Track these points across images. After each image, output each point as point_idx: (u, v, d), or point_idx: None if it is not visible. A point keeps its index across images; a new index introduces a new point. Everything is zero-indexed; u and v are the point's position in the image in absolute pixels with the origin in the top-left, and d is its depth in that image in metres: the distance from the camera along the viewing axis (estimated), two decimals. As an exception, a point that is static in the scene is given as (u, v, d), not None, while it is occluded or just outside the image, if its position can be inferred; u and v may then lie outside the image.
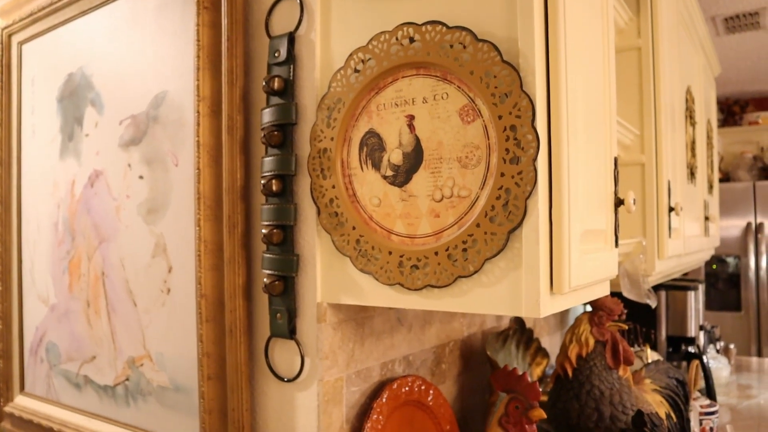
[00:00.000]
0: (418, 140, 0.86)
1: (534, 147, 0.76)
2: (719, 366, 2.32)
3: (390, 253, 0.88)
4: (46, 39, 1.44)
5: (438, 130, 0.84)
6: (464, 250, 0.81)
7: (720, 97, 4.78)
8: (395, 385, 1.07)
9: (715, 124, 2.92)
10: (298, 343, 0.97)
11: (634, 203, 1.01)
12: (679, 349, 1.98)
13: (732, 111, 4.72)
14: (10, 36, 1.52)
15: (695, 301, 1.98)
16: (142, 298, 1.20)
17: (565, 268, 0.78)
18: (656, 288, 1.97)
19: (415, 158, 0.86)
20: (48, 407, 1.41)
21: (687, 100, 2.06)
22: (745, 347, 4.06)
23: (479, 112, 0.81)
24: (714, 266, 4.18)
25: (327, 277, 0.96)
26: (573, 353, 1.24)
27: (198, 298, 1.04)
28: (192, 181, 1.09)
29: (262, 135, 0.98)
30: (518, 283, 0.77)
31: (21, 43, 1.51)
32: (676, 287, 1.99)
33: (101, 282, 1.29)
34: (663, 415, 1.33)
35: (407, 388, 1.10)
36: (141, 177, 1.21)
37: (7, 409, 1.50)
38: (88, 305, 1.32)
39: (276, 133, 0.98)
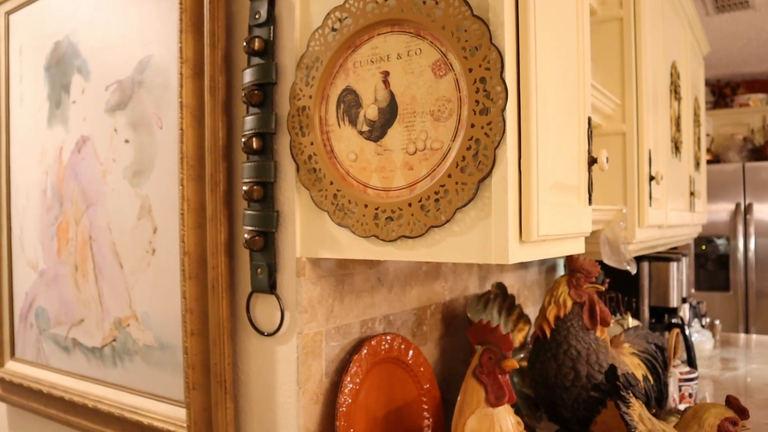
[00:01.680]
0: (392, 96, 0.88)
1: (503, 98, 0.78)
2: (703, 339, 2.36)
3: (366, 206, 0.90)
4: (33, 8, 1.45)
5: (412, 84, 0.86)
6: (436, 200, 0.83)
7: (711, 79, 4.80)
8: (374, 342, 1.09)
9: (703, 102, 2.94)
10: (278, 298, 1.00)
11: (607, 162, 1.04)
12: (662, 319, 2.01)
13: (723, 93, 4.74)
14: (-3, 5, 1.53)
15: (678, 272, 2.01)
16: (128, 260, 1.22)
17: (534, 216, 0.80)
18: (640, 259, 2.00)
19: (390, 113, 0.88)
20: (38, 371, 1.44)
21: (672, 75, 2.08)
22: (733, 326, 4.11)
23: (451, 66, 0.83)
24: (703, 247, 4.22)
25: (306, 232, 0.98)
26: (551, 314, 1.27)
27: (181, 255, 1.07)
28: (176, 143, 1.11)
29: (243, 95, 1.00)
30: (488, 231, 0.80)
31: (8, 13, 1.52)
32: (659, 258, 2.02)
33: (88, 246, 1.31)
34: (640, 377, 1.36)
35: (387, 346, 1.13)
36: (127, 141, 1.23)
37: (-1, 374, 1.53)
38: (76, 269, 1.34)
39: (257, 92, 1.00)
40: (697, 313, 2.66)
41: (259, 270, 1.01)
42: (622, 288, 1.96)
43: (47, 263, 1.42)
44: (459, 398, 0.98)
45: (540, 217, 0.81)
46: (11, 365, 1.52)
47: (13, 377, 1.48)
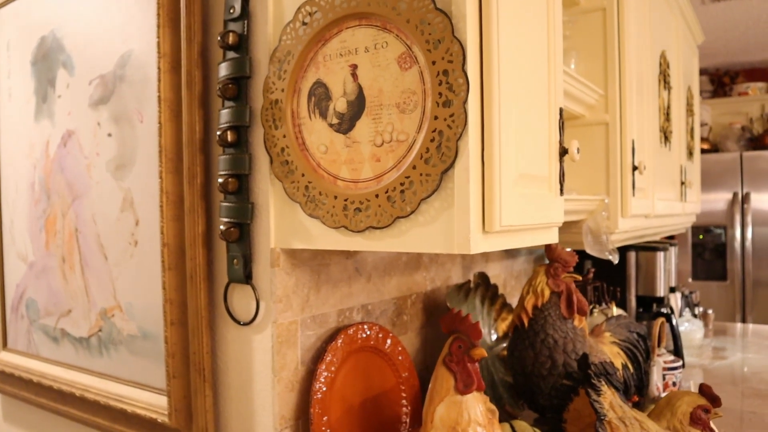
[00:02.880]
0: (360, 88, 0.89)
1: (464, 90, 0.80)
2: (693, 329, 2.37)
3: (336, 197, 0.92)
4: (20, 3, 1.47)
5: (379, 77, 0.87)
6: (402, 191, 0.85)
7: (710, 68, 4.78)
8: (351, 331, 1.11)
9: (696, 91, 2.94)
10: (253, 288, 1.02)
11: (578, 152, 1.05)
12: (650, 309, 2.02)
13: (722, 82, 4.72)
14: (-16, 1, 1.55)
15: (665, 261, 2.02)
16: (112, 252, 1.25)
17: (496, 206, 0.82)
18: (627, 248, 2.01)
19: (358, 106, 0.90)
20: (28, 361, 1.47)
21: (661, 64, 2.08)
22: (730, 316, 4.11)
23: (416, 58, 0.84)
24: (701, 236, 4.22)
25: (279, 223, 1.00)
26: (529, 304, 1.29)
27: (161, 247, 1.09)
28: (156, 136, 1.13)
29: (218, 88, 1.02)
30: (451, 222, 0.81)
31: (-5, 8, 1.54)
32: (645, 248, 2.03)
33: (75, 238, 1.33)
34: (619, 365, 1.38)
35: (364, 335, 1.14)
36: (109, 135, 1.25)
37: (-9, 364, 1.56)
38: (63, 261, 1.37)
39: (231, 86, 1.02)
40: (689, 303, 2.67)
41: (235, 261, 1.03)
42: (609, 277, 1.97)
43: (36, 255, 1.44)
44: (429, 386, 1.00)
45: (503, 207, 0.83)
46: (3, 355, 1.55)
47: (5, 367, 1.51)
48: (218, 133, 1.02)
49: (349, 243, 0.91)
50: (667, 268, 2.04)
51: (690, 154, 2.73)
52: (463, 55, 0.79)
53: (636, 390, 1.48)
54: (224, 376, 1.08)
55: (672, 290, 2.18)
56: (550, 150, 1.02)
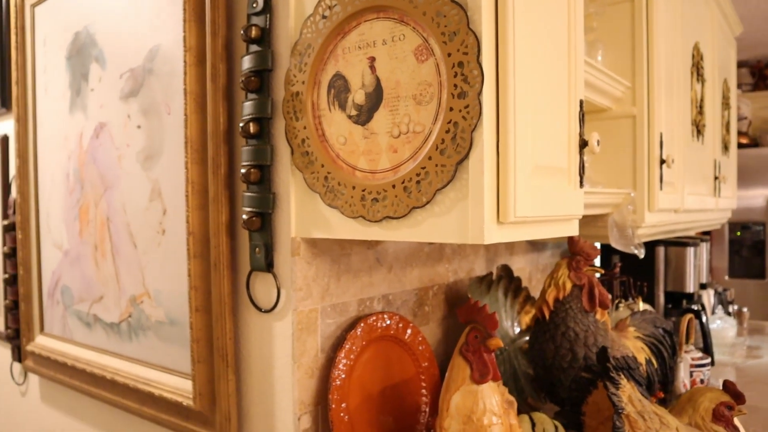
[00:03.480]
0: (378, 80, 0.91)
1: (479, 81, 0.80)
2: (725, 326, 2.32)
3: (354, 188, 0.93)
4: (55, 1, 1.52)
5: (396, 69, 0.88)
6: (418, 182, 0.86)
7: (751, 60, 4.64)
8: (371, 320, 1.13)
9: (733, 84, 2.87)
10: (274, 276, 1.04)
11: (598, 144, 1.04)
12: (680, 305, 1.99)
13: (763, 74, 4.58)
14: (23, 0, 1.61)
15: (695, 257, 1.98)
16: (141, 240, 1.29)
17: (511, 198, 0.82)
18: (655, 243, 1.98)
19: (376, 98, 0.91)
20: (63, 345, 1.52)
21: (694, 56, 2.04)
22: (767, 315, 4.01)
23: (432, 50, 0.85)
24: (738, 233, 4.11)
25: (300, 213, 1.02)
26: (550, 296, 1.29)
27: (187, 235, 1.12)
28: (182, 128, 1.16)
29: (241, 81, 1.04)
30: (465, 212, 0.82)
31: (33, 6, 1.59)
32: (675, 243, 2.00)
33: (106, 227, 1.38)
34: (642, 360, 1.37)
35: (384, 324, 1.16)
36: (139, 126, 1.29)
37: (29, 348, 1.62)
38: (95, 249, 1.41)
39: (254, 78, 1.04)
40: (722, 300, 2.61)
41: (257, 249, 1.06)
42: (637, 273, 1.95)
43: (71, 243, 1.50)
44: (446, 375, 1.01)
45: (517, 198, 0.83)
46: (41, 339, 1.61)
47: (42, 351, 1.57)
48: (241, 124, 1.04)
49: (366, 233, 0.92)
50: (697, 264, 2.00)
51: (725, 148, 2.67)
52: (478, 47, 0.80)
53: (661, 386, 1.46)
54: (246, 362, 1.11)
55: (703, 287, 2.14)
56: (570, 142, 1.01)
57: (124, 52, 1.31)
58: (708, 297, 2.58)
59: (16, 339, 1.71)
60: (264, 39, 1.04)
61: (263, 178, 1.05)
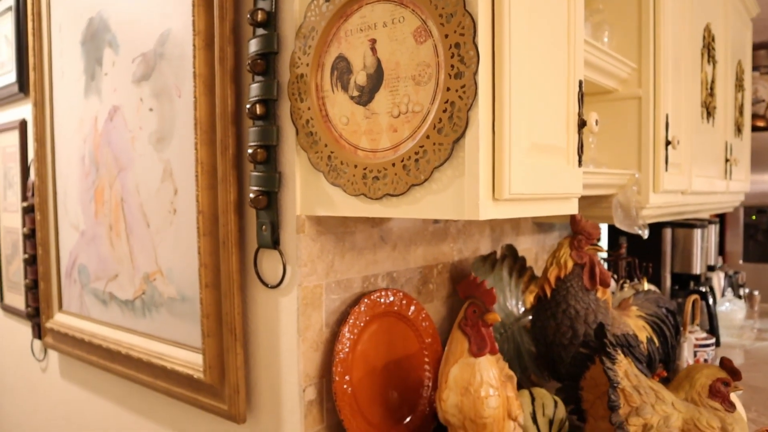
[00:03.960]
0: (379, 62, 0.93)
1: (475, 62, 0.82)
2: (734, 308, 2.32)
3: (356, 166, 0.96)
4: (70, -14, 1.56)
5: (396, 51, 0.91)
6: (416, 160, 0.89)
7: (770, 42, 4.56)
8: (374, 296, 1.16)
9: (748, 66, 2.84)
10: (280, 253, 1.08)
11: (597, 124, 1.06)
12: (687, 286, 2.00)
13: (783, 57, 4.50)
14: (39, -15, 1.65)
15: (702, 239, 1.99)
16: (154, 220, 1.33)
17: (506, 175, 0.85)
18: (662, 225, 1.99)
19: (377, 79, 0.94)
20: (81, 322, 1.58)
21: (704, 38, 2.03)
22: (782, 299, 3.98)
23: (430, 32, 0.87)
24: (753, 217, 4.08)
25: (304, 191, 1.05)
26: (552, 275, 1.31)
27: (197, 214, 1.16)
28: (192, 110, 1.19)
29: (248, 64, 1.07)
30: (462, 189, 0.85)
31: (49, -9, 1.63)
32: (683, 225, 2.00)
33: (120, 207, 1.42)
34: (643, 338, 1.39)
35: (388, 300, 1.19)
36: (151, 109, 1.32)
37: (48, 325, 1.68)
38: (110, 229, 1.46)
39: (260, 61, 1.07)
40: (732, 283, 2.61)
41: (263, 227, 1.09)
42: (644, 254, 1.96)
43: (87, 224, 1.54)
44: (446, 348, 1.04)
45: (512, 176, 0.86)
46: (59, 317, 1.67)
47: (60, 328, 1.63)
48: (248, 106, 1.07)
49: (368, 210, 0.95)
50: (705, 246, 2.01)
51: (738, 131, 2.66)
52: (473, 29, 0.82)
53: (663, 364, 1.49)
54: (254, 336, 1.15)
55: (711, 269, 2.14)
56: (569, 122, 1.03)
57: (136, 37, 1.35)
58: (718, 279, 2.58)
59: (36, 317, 1.77)
60: (270, 22, 1.07)
61: (269, 158, 1.08)
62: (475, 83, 0.82)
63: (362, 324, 1.13)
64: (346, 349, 1.09)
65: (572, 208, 1.09)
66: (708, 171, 2.09)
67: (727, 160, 2.35)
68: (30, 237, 1.77)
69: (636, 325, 1.39)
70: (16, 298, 1.98)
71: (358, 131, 0.97)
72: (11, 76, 1.93)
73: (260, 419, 1.15)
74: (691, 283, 2.02)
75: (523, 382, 1.48)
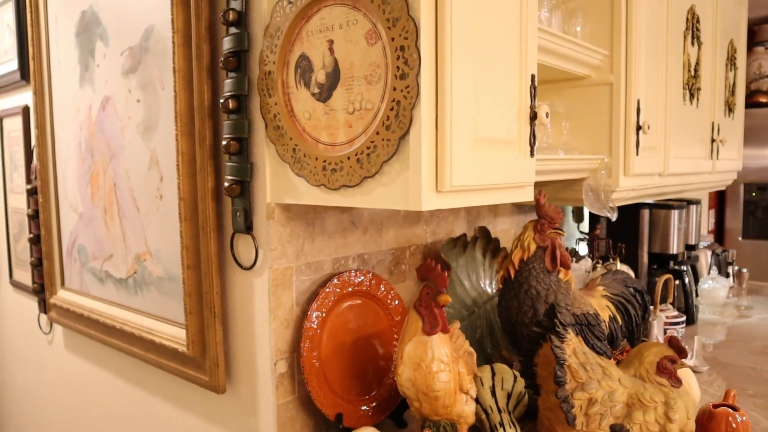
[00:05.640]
0: (336, 61, 1.00)
1: (417, 64, 0.89)
2: (717, 286, 2.38)
3: (317, 159, 1.04)
4: (64, -21, 1.63)
5: (350, 52, 0.98)
6: (368, 155, 0.96)
7: (776, 17, 4.51)
8: (343, 276, 1.25)
9: (742, 44, 2.84)
10: (253, 237, 1.16)
11: (547, 116, 1.12)
12: (666, 265, 2.06)
13: (788, 32, 4.45)
14: (35, -22, 1.72)
15: (679, 220, 2.04)
16: (143, 204, 1.42)
17: (447, 168, 0.92)
18: (641, 206, 2.04)
19: (334, 77, 1.01)
20: (81, 298, 1.69)
21: (688, 20, 2.06)
22: (780, 276, 4.01)
23: (380, 35, 0.94)
24: (753, 194, 4.09)
25: (274, 181, 1.13)
26: (516, 257, 1.38)
27: (178, 200, 1.24)
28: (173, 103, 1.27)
29: (221, 61, 1.14)
30: (407, 181, 0.92)
31: (45, -16, 1.71)
32: (660, 206, 2.06)
33: (113, 192, 1.51)
34: (606, 317, 1.46)
35: (357, 280, 1.28)
36: (138, 101, 1.40)
37: (52, 301, 1.79)
38: (105, 212, 1.56)
39: (232, 59, 1.14)
40: (719, 261, 2.66)
41: (238, 213, 1.18)
42: (624, 235, 2.02)
43: (84, 207, 1.64)
44: (402, 327, 1.12)
45: (454, 169, 0.93)
46: (62, 293, 1.78)
47: (63, 303, 1.74)
48: (221, 100, 1.15)
49: (327, 199, 1.03)
50: (682, 226, 2.06)
51: (730, 110, 2.68)
52: (416, 33, 0.88)
53: (629, 342, 1.56)
54: (232, 314, 1.25)
55: (691, 248, 2.20)
56: (520, 114, 1.09)
57: (123, 31, 1.42)
58: (705, 257, 2.64)
59: (42, 293, 1.88)
60: (241, 22, 1.14)
61: (242, 149, 1.16)
62: (418, 84, 0.89)
63: (330, 303, 1.21)
64: (314, 326, 1.18)
65: (526, 196, 1.16)
66: (691, 152, 2.13)
67: (713, 141, 2.38)
68: (34, 218, 1.88)
69: (599, 305, 1.47)
70: (24, 275, 2.10)
71: (319, 126, 1.04)
72: (13, 64, 2.02)
73: (238, 390, 1.25)
74: (671, 263, 2.08)
75: (494, 358, 1.57)
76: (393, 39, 0.91)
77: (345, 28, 0.98)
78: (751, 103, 4.19)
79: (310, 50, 1.03)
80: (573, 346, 1.16)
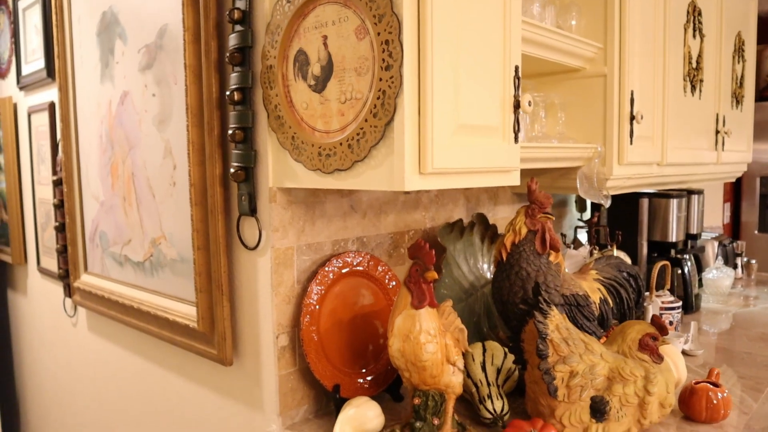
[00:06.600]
0: (330, 55, 1.08)
1: (400, 57, 0.97)
2: (721, 276, 2.41)
3: (313, 145, 1.12)
4: (87, -18, 1.74)
5: (342, 46, 1.06)
6: (358, 141, 1.04)
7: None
8: (342, 257, 1.33)
9: (751, 37, 2.86)
10: (257, 220, 1.25)
11: (530, 105, 1.19)
12: (667, 253, 2.11)
13: (806, 24, 4.42)
14: (60, -19, 1.83)
15: (678, 209, 2.08)
16: (158, 191, 1.52)
17: (428, 152, 1.00)
18: (640, 195, 2.09)
19: (328, 70, 1.09)
20: (102, 281, 1.80)
21: (689, 13, 2.10)
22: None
23: (368, 30, 1.02)
24: (769, 187, 4.09)
25: (275, 166, 1.22)
26: (508, 240, 1.45)
27: (189, 186, 1.34)
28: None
29: (227, 56, 1.24)
30: (392, 164, 1.00)
31: (69, -13, 1.82)
32: (659, 195, 2.10)
33: (131, 181, 1.62)
34: (596, 299, 1.52)
35: (355, 261, 1.36)
36: (154, 95, 1.50)
37: (76, 285, 1.91)
38: (124, 200, 1.66)
39: (237, 54, 1.23)
40: (726, 252, 2.69)
41: (243, 197, 1.27)
42: (623, 223, 2.07)
43: (105, 195, 1.75)
44: (394, 302, 1.20)
45: (435, 153, 1.00)
46: (85, 278, 1.89)
47: (86, 287, 1.86)
48: (227, 93, 1.24)
49: (323, 182, 1.12)
50: (681, 215, 2.10)
51: (737, 102, 2.70)
52: (399, 28, 0.96)
53: (619, 323, 1.61)
54: (238, 291, 1.34)
55: (693, 237, 2.24)
56: (504, 103, 1.17)
57: (140, 30, 1.53)
58: (712, 248, 2.67)
59: (67, 278, 2.00)
60: (245, 20, 1.23)
61: (246, 138, 1.25)
62: (401, 75, 0.97)
63: (329, 281, 1.30)
64: (314, 302, 1.27)
65: (513, 180, 1.23)
66: (692, 143, 2.17)
67: (717, 132, 2.41)
68: (59, 207, 1.99)
69: (590, 287, 1.53)
70: (51, 262, 2.22)
71: (315, 115, 1.12)
72: (40, 62, 2.14)
73: (244, 362, 1.34)
74: (672, 251, 2.12)
75: (491, 338, 1.64)
76: (379, 33, 0.99)
77: (337, 25, 1.06)
78: (766, 96, 4.18)
79: (307, 45, 1.12)
80: (556, 322, 1.23)
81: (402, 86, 0.97)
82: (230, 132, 1.25)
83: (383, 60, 0.99)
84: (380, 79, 1.00)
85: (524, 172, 1.64)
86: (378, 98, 1.00)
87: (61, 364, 2.26)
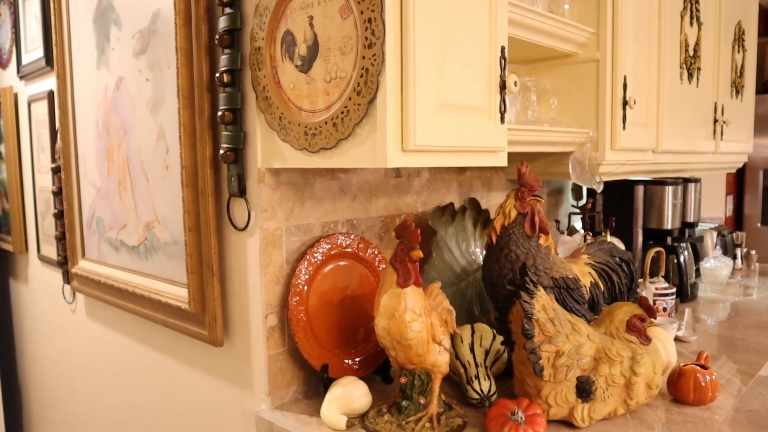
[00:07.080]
0: (315, 36, 1.09)
1: (383, 35, 0.97)
2: (719, 265, 2.41)
3: (299, 125, 1.13)
4: (83, -30, 1.76)
5: (327, 26, 1.07)
6: (342, 119, 1.05)
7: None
8: (332, 239, 1.34)
9: (752, 26, 2.84)
10: (246, 201, 1.27)
11: (516, 85, 1.20)
12: (663, 240, 2.11)
13: (811, 16, 4.39)
14: (57, -31, 1.85)
15: (673, 197, 2.08)
16: (151, 175, 1.53)
17: (411, 129, 1.00)
18: (636, 182, 2.09)
19: (314, 50, 1.10)
20: (99, 267, 1.82)
21: (685, 0, 2.09)
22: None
23: (352, 9, 1.03)
24: (772, 179, 4.07)
25: (263, 147, 1.23)
26: (498, 223, 1.46)
27: (180, 169, 1.35)
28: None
29: (216, 38, 1.25)
30: (375, 142, 1.01)
31: (66, -25, 1.84)
32: (654, 182, 2.10)
33: (126, 165, 1.64)
34: (587, 283, 1.53)
35: (345, 243, 1.37)
36: (147, 79, 1.52)
37: (74, 270, 1.93)
38: (119, 184, 1.68)
39: (226, 36, 1.24)
40: (725, 242, 2.68)
41: (232, 179, 1.28)
42: (619, 210, 2.07)
43: (101, 181, 1.77)
44: (380, 281, 1.21)
45: (417, 130, 1.01)
46: (83, 263, 1.91)
47: (83, 272, 1.88)
48: (217, 75, 1.25)
49: (309, 161, 1.13)
50: (677, 202, 2.10)
51: (737, 92, 2.69)
52: (381, 6, 0.97)
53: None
54: (228, 272, 1.35)
55: (689, 225, 2.23)
56: (490, 83, 1.17)
57: (134, 16, 1.54)
58: (711, 238, 2.66)
59: (65, 264, 2.03)
60: (234, 2, 1.24)
61: (236, 119, 1.26)
62: (383, 52, 0.98)
63: (318, 262, 1.31)
64: (302, 283, 1.28)
65: (500, 161, 1.24)
66: (688, 131, 2.17)
67: (716, 121, 2.41)
68: (58, 194, 2.02)
69: (581, 271, 1.53)
70: (50, 249, 2.25)
71: (301, 95, 1.13)
72: (39, 51, 2.16)
73: (234, 343, 1.36)
74: (668, 239, 2.12)
75: (485, 321, 1.65)
76: (362, 12, 1.00)
77: (323, 5, 1.07)
78: (770, 88, 4.16)
79: (294, 26, 1.13)
80: (543, 302, 1.24)
81: (384, 64, 0.98)
82: (219, 113, 1.26)
83: (366, 38, 1.00)
84: (363, 57, 1.01)
85: (516, 156, 1.65)
86: (361, 76, 1.01)
87: (61, 350, 2.29)
